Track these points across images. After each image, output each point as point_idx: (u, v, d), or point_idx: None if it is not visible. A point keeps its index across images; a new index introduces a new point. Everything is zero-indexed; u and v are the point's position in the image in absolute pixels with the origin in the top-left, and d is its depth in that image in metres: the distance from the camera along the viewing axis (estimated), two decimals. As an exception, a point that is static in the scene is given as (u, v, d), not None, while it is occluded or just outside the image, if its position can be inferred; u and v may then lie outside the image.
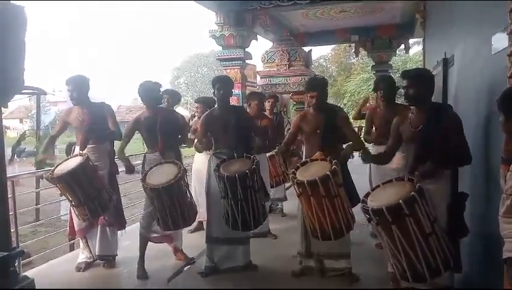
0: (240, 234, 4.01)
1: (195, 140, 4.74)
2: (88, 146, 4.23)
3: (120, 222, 4.55)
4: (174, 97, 5.47)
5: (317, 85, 3.95)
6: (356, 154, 4.26)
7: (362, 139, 4.98)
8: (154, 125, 4.19)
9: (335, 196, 3.29)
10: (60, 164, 4.03)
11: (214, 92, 4.16)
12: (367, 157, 3.58)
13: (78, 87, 4.27)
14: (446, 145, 2.97)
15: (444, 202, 2.99)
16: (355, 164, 4.56)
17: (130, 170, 4.31)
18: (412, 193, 2.59)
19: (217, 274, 4.16)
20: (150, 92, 4.24)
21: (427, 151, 3.02)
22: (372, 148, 4.88)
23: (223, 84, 4.13)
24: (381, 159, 3.66)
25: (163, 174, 3.83)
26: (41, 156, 4.55)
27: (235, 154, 3.94)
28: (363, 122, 5.65)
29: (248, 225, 3.79)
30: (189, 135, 5.02)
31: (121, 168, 4.50)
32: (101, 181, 4.09)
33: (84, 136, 4.23)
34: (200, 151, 4.88)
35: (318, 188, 3.24)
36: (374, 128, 4.92)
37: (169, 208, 3.79)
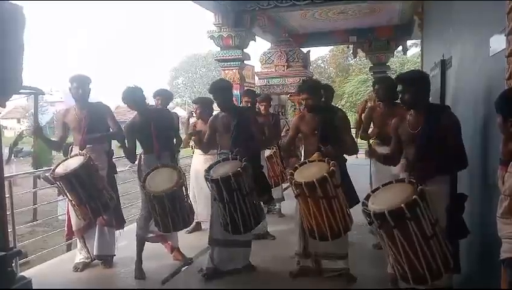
0: (240, 237, 3.96)
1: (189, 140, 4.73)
2: (87, 146, 4.22)
3: (119, 222, 4.55)
4: (167, 97, 5.44)
5: (308, 87, 3.95)
6: (353, 156, 4.24)
7: (359, 136, 5.00)
8: (147, 128, 4.15)
9: (333, 197, 3.29)
10: (60, 163, 4.03)
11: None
12: (373, 155, 3.59)
13: (83, 86, 4.28)
14: (445, 146, 2.97)
15: (443, 203, 2.99)
16: (355, 165, 4.57)
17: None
18: (414, 196, 2.57)
19: (217, 275, 4.14)
20: (134, 97, 4.15)
21: (427, 153, 3.02)
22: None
23: (219, 92, 4.09)
24: (390, 161, 3.61)
25: (164, 180, 3.82)
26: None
27: (229, 156, 3.92)
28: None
29: (238, 228, 3.73)
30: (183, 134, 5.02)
31: (120, 168, 4.50)
32: (101, 181, 4.10)
33: (83, 136, 4.22)
34: (204, 151, 4.78)
35: (316, 189, 3.23)
36: (371, 126, 4.92)
37: (171, 213, 3.79)
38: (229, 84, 4.30)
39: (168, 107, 5.54)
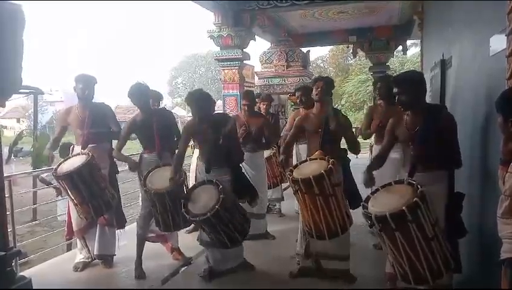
0: None
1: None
2: (89, 145, 4.23)
3: (120, 221, 4.55)
4: (157, 97, 5.36)
5: (323, 77, 4.06)
6: (353, 155, 4.23)
7: (363, 136, 4.98)
8: (150, 126, 4.15)
9: (330, 195, 3.29)
10: (62, 162, 4.03)
11: None
12: (369, 179, 3.35)
13: (89, 86, 4.29)
14: (443, 146, 2.97)
15: (442, 203, 2.99)
16: (355, 165, 4.55)
17: (135, 166, 4.20)
18: (415, 198, 2.57)
19: (215, 275, 4.14)
20: (141, 94, 4.14)
21: (425, 153, 3.01)
22: (374, 147, 4.89)
23: (198, 103, 3.87)
24: (377, 164, 3.49)
25: (165, 178, 3.82)
26: (48, 151, 4.56)
27: (205, 179, 3.86)
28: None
29: (225, 245, 3.76)
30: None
31: (121, 168, 4.50)
32: (104, 179, 4.10)
33: (86, 135, 4.22)
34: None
35: (312, 186, 3.24)
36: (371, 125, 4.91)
37: (171, 211, 3.79)
38: (208, 96, 3.97)
39: (167, 106, 5.52)
